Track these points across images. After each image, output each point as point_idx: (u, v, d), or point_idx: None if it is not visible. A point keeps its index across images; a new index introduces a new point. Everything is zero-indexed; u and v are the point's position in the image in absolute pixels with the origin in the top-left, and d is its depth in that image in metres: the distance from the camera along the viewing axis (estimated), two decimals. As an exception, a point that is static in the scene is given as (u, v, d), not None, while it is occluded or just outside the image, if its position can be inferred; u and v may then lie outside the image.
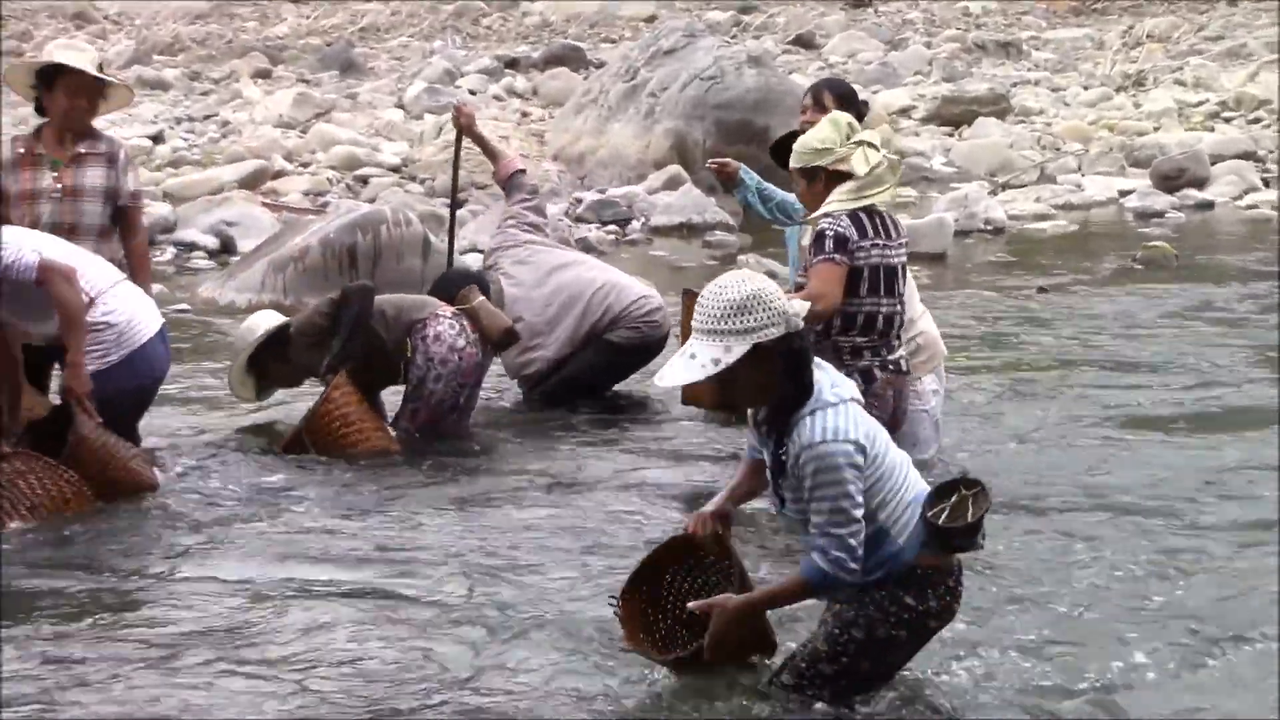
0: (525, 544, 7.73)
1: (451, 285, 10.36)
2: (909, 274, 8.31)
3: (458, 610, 6.83)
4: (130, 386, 8.49)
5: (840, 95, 9.05)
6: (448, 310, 9.73)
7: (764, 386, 5.60)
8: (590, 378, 10.62)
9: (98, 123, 9.32)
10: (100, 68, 9.24)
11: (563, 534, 7.84)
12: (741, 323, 5.50)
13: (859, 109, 8.76)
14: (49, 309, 8.25)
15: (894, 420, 8.10)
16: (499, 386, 10.85)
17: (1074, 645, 6.51)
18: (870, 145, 7.83)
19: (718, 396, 9.76)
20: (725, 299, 5.51)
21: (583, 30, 28.74)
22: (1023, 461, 9.20)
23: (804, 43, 27.91)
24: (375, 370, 9.65)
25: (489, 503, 8.49)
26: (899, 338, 8.04)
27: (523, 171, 11.12)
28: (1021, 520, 8.09)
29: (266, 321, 9.78)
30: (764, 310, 5.50)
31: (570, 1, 30.13)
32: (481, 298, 9.97)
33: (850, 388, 5.70)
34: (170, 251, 15.73)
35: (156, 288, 13.64)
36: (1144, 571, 7.36)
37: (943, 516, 5.69)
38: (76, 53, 9.38)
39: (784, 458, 5.69)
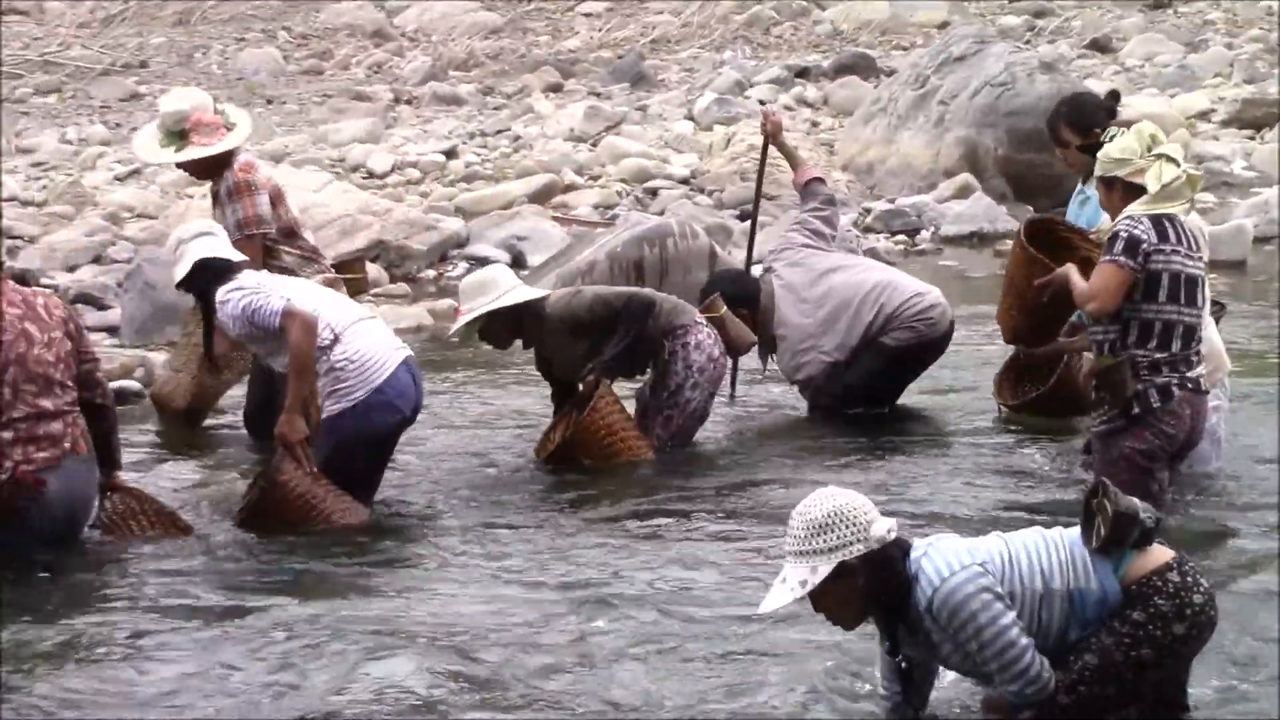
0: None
1: (721, 287, 10.41)
2: (1206, 286, 8.16)
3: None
4: (375, 426, 8.53)
5: (1072, 124, 8.92)
6: (702, 318, 9.75)
7: (861, 602, 5.59)
8: (869, 385, 10.43)
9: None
10: (184, 122, 9.52)
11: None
12: (824, 542, 5.49)
13: (1103, 122, 8.54)
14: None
15: (1189, 439, 7.96)
16: (776, 401, 10.80)
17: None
18: (1170, 159, 7.72)
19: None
20: (808, 519, 5.52)
21: (874, 38, 28.58)
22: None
23: (1100, 46, 27.45)
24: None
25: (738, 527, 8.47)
26: (1199, 354, 7.89)
27: (820, 180, 11.08)
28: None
29: (506, 277, 9.76)
30: (846, 527, 5.48)
31: (862, 7, 29.95)
32: (726, 309, 9.98)
33: (922, 542, 5.66)
34: (462, 266, 15.93)
35: (449, 302, 13.94)
36: None
37: (1101, 534, 5.58)
38: (149, 133, 9.76)
39: (913, 656, 5.69)
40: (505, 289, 9.50)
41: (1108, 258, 7.75)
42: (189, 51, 27.61)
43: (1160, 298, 7.75)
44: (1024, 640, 5.51)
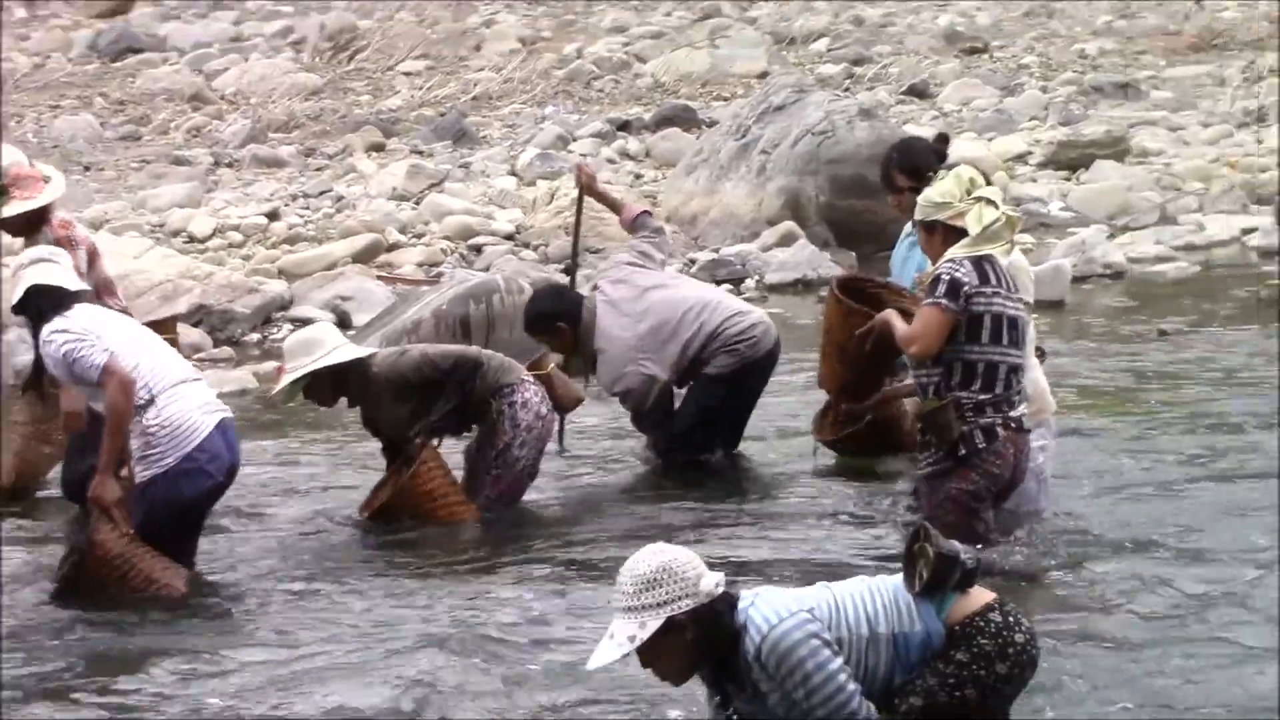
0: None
1: (543, 303, 10.48)
2: (1030, 326, 8.26)
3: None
4: (186, 493, 8.40)
5: (907, 170, 9.00)
6: (529, 375, 9.70)
7: (689, 657, 5.59)
8: (702, 420, 10.39)
9: None
10: (2, 178, 9.52)
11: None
12: (653, 597, 5.49)
13: (931, 162, 8.63)
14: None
15: (1014, 478, 8.03)
16: (606, 453, 10.77)
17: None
18: (989, 202, 7.81)
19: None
20: (635, 575, 5.53)
21: (694, 89, 28.70)
22: (1134, 515, 9.04)
23: (917, 92, 27.72)
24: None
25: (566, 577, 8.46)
26: (1020, 393, 7.97)
27: (648, 213, 11.06)
28: (1123, 585, 7.95)
29: (331, 336, 9.67)
30: (674, 583, 5.49)
31: (681, 59, 30.10)
32: (554, 366, 9.96)
33: (749, 593, 5.67)
34: (286, 328, 15.77)
35: (273, 364, 13.86)
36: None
37: (923, 578, 5.62)
38: None
39: (741, 710, 5.67)
40: (330, 348, 9.41)
41: (930, 300, 7.82)
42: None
43: (983, 339, 7.82)
44: (851, 686, 5.53)
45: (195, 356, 13.16)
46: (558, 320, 10.36)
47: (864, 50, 30.83)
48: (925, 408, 7.96)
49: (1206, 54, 30.75)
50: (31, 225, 9.55)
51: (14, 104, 28.29)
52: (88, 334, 8.22)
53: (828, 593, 5.69)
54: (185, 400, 8.39)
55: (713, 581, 5.55)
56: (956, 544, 5.68)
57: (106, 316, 8.57)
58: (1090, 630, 7.31)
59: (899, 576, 5.72)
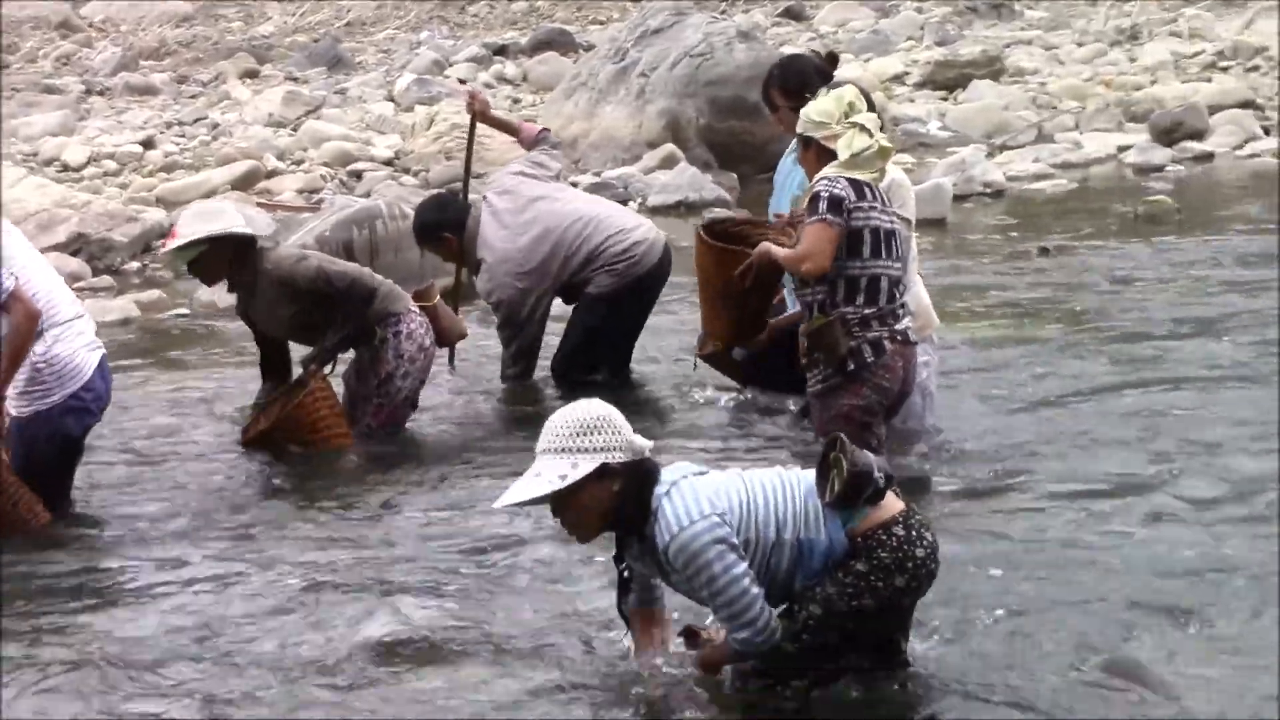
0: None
1: (428, 214, 10.49)
2: (913, 243, 8.29)
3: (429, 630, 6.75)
4: (69, 430, 8.27)
5: (787, 90, 8.99)
6: (415, 305, 9.61)
7: (607, 511, 5.63)
8: (589, 338, 10.36)
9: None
10: None
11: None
12: (590, 441, 5.55)
13: (815, 84, 8.56)
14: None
15: (903, 391, 8.08)
16: (494, 375, 10.75)
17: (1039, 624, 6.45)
18: (863, 129, 7.81)
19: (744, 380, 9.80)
20: (574, 418, 5.58)
21: (570, 13, 28.64)
22: (1019, 430, 9.11)
23: (794, 14, 27.80)
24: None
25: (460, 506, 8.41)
26: (904, 305, 8.00)
27: (547, 130, 10.96)
28: (1012, 497, 8.02)
29: (235, 213, 9.47)
30: (612, 433, 5.57)
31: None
32: (439, 298, 9.88)
33: (679, 469, 5.74)
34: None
35: (156, 293, 13.77)
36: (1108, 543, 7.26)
37: (835, 490, 5.67)
38: None
39: (639, 570, 5.80)
40: (236, 222, 9.24)
41: (814, 218, 7.81)
42: None
43: (864, 254, 7.84)
44: (754, 590, 5.60)
45: (75, 286, 13.00)
46: (442, 230, 10.34)
47: (739, -28, 30.82)
48: (811, 326, 7.96)
49: (1079, -27, 30.91)
50: None
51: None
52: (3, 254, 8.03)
53: (741, 485, 5.72)
54: (73, 339, 8.26)
55: (644, 442, 5.62)
56: (871, 457, 5.71)
57: (12, 236, 8.35)
58: (983, 545, 7.36)
59: (813, 474, 5.75)
